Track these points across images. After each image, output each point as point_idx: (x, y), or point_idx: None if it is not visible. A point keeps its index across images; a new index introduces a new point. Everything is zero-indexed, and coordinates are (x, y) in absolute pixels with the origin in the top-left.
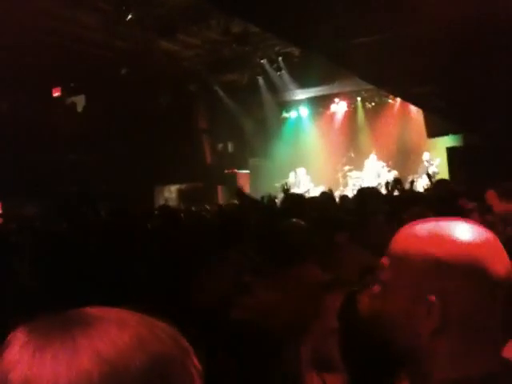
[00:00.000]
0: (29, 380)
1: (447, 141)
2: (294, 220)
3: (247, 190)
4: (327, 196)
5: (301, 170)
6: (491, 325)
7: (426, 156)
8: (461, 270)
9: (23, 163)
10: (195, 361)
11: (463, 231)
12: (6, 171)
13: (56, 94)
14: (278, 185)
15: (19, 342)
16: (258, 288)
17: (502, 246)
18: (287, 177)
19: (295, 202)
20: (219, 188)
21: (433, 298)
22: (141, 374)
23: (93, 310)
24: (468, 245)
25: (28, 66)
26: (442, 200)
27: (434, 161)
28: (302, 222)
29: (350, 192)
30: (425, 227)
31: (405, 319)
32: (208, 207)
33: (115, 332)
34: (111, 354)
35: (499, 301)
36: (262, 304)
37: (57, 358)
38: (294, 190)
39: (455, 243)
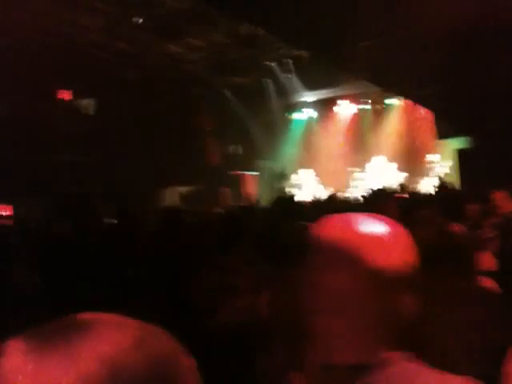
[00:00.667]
0: None
1: (455, 143)
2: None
3: (255, 191)
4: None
5: (307, 172)
6: (367, 312)
7: (433, 158)
8: (343, 257)
9: (24, 164)
10: (193, 363)
11: (362, 224)
12: (6, 172)
13: (62, 96)
14: (284, 186)
15: (18, 352)
16: (254, 289)
17: (404, 243)
18: (294, 178)
19: (286, 204)
20: (225, 190)
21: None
22: (142, 376)
23: (89, 315)
24: (358, 235)
25: (31, 67)
26: (447, 202)
27: (442, 162)
28: (305, 223)
29: (357, 193)
30: (339, 218)
31: None
32: (218, 209)
33: (115, 334)
34: (113, 356)
35: (378, 292)
36: (257, 305)
37: (61, 364)
38: (301, 192)
39: (350, 233)
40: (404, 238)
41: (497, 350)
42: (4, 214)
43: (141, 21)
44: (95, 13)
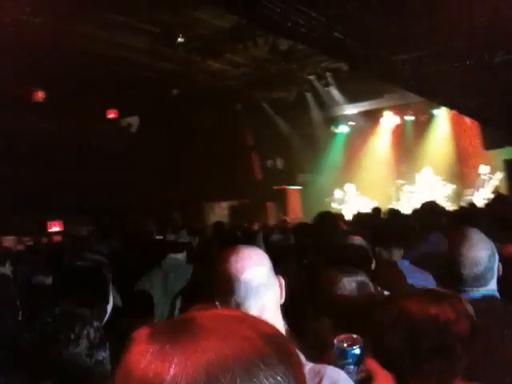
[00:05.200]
0: (148, 381)
1: (505, 153)
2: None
3: (298, 205)
4: (376, 211)
5: (349, 186)
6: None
7: (483, 169)
8: (221, 271)
9: (74, 183)
10: (300, 370)
11: (234, 251)
12: (56, 188)
13: (111, 115)
14: (328, 200)
15: (143, 344)
16: None
17: (260, 260)
18: (337, 193)
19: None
20: (269, 204)
21: None
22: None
23: (205, 321)
24: (230, 258)
25: (81, 88)
26: (502, 215)
27: (492, 174)
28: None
29: (404, 207)
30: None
31: None
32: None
33: (222, 346)
34: (216, 366)
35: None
36: None
37: (173, 359)
38: (342, 207)
39: (226, 256)
40: (264, 259)
41: None
42: (55, 229)
43: (183, 40)
44: (140, 34)
